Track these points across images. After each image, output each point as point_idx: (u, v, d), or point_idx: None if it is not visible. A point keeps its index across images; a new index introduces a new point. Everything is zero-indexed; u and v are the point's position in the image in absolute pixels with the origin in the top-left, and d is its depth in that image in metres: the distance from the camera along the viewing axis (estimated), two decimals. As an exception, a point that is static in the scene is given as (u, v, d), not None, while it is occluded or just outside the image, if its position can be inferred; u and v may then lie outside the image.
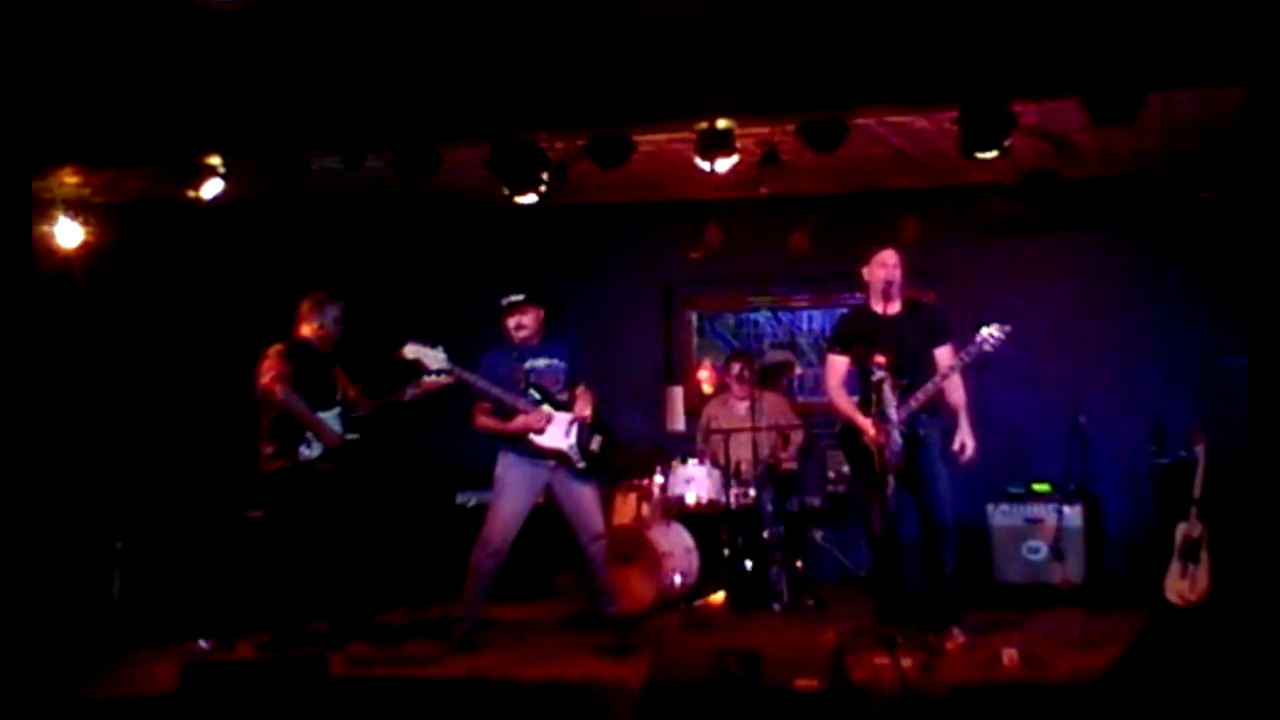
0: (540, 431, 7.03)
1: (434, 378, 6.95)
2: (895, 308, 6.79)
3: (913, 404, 6.52)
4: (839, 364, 6.85)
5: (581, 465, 7.12)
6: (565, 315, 7.45)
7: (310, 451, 7.09)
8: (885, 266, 6.74)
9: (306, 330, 7.25)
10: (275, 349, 7.09)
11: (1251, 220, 5.81)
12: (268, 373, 6.99)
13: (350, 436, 7.29)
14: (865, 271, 6.84)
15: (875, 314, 6.81)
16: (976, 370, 6.70)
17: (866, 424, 6.49)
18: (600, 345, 8.65)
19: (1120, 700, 4.76)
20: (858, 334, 6.73)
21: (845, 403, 6.76)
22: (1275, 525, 5.58)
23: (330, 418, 7.19)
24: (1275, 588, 6.67)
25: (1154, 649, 4.85)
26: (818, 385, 9.39)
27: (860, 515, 7.07)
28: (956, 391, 6.67)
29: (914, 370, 6.56)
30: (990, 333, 6.42)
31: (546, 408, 7.04)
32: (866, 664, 5.94)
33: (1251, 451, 5.92)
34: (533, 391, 7.00)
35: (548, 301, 7.21)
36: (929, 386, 6.53)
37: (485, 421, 7.06)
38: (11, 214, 6.44)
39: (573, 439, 7.09)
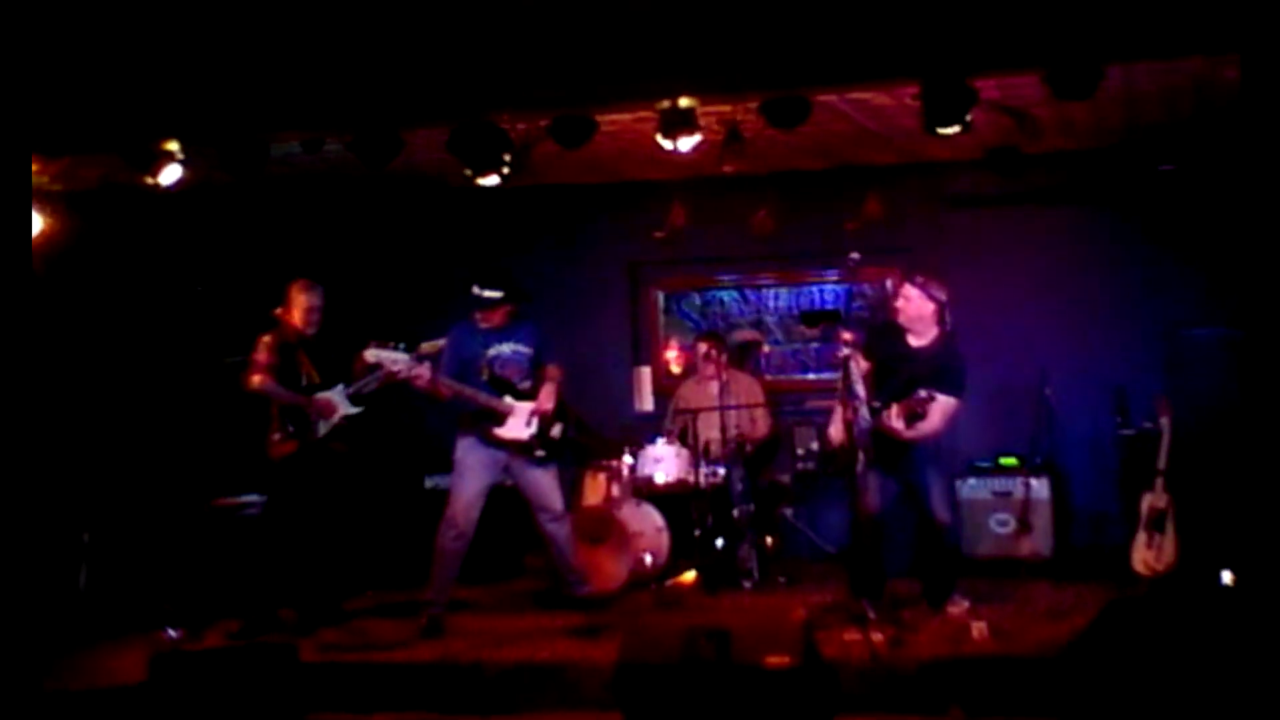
0: (500, 422, 7.01)
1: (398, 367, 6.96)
2: (922, 341, 6.80)
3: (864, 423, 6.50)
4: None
5: (541, 454, 7.11)
6: (531, 297, 7.43)
7: (323, 429, 7.21)
8: (896, 299, 6.91)
9: (298, 316, 7.27)
10: (264, 340, 7.21)
11: (1244, 188, 5.77)
12: (251, 365, 7.14)
13: (354, 410, 7.32)
14: None
15: (902, 338, 6.84)
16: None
17: (835, 416, 6.69)
18: (567, 327, 8.60)
19: (1087, 670, 4.79)
20: (869, 345, 6.84)
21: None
22: (1254, 492, 5.57)
23: (335, 394, 7.26)
24: (1240, 556, 6.74)
25: (1120, 619, 4.87)
26: (785, 363, 9.45)
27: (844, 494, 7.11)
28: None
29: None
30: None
31: (508, 399, 7.02)
32: (837, 640, 5.99)
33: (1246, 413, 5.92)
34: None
35: (522, 299, 7.19)
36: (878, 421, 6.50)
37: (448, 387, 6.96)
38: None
39: (533, 429, 7.07)
